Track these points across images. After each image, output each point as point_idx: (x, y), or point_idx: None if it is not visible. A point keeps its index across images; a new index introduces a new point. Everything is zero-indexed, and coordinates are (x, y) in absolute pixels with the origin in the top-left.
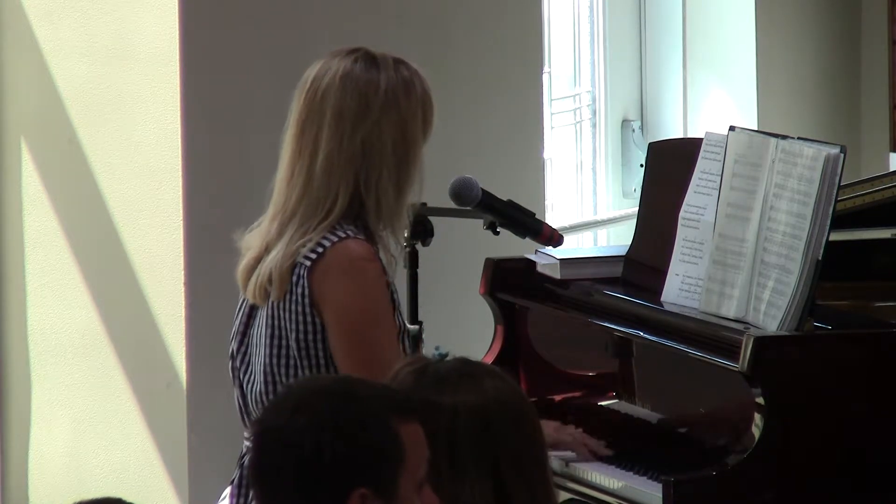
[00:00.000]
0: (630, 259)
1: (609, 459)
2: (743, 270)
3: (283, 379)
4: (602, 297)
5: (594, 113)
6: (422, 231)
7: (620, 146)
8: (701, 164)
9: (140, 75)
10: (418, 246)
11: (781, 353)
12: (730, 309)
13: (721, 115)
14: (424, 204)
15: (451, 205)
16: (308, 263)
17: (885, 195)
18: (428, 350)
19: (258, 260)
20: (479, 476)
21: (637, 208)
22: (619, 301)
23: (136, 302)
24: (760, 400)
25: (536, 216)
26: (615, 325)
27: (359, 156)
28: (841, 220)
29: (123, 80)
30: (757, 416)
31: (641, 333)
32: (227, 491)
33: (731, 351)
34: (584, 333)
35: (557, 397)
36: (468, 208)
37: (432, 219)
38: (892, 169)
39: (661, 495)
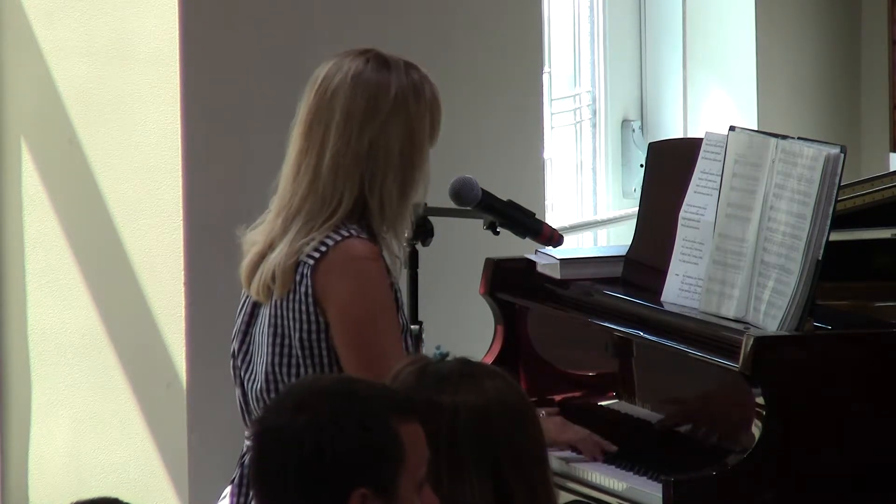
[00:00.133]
0: (630, 259)
1: (609, 459)
2: (743, 270)
3: (286, 378)
4: (602, 297)
5: (594, 113)
6: (422, 231)
7: (620, 146)
8: (701, 164)
9: (140, 75)
10: (418, 246)
11: (781, 353)
12: (730, 309)
13: (721, 115)
14: (424, 204)
15: (451, 205)
16: (312, 262)
17: (885, 195)
18: (428, 350)
19: (262, 257)
20: (480, 476)
21: (637, 208)
22: (619, 301)
23: (136, 302)
24: (760, 400)
25: (536, 216)
26: (615, 325)
27: (365, 157)
28: (841, 220)
29: (123, 80)
30: (757, 416)
31: (641, 333)
32: (228, 490)
33: (731, 351)
34: (584, 333)
35: (557, 397)
36: (468, 208)
37: (432, 219)
38: (892, 169)
39: (661, 495)
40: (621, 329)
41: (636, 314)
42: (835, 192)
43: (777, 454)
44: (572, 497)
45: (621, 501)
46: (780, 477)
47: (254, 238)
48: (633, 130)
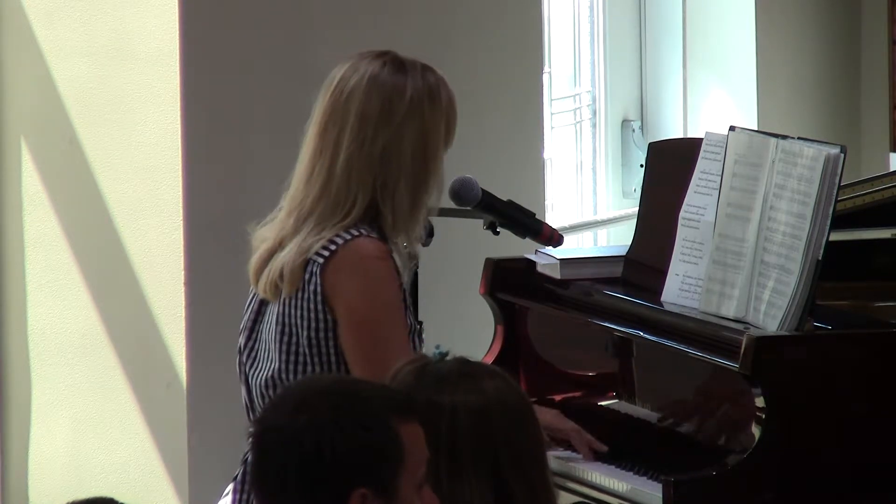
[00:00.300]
0: (630, 259)
1: (609, 459)
2: (743, 270)
3: (293, 376)
4: (602, 297)
5: (594, 113)
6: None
7: (620, 146)
8: (701, 164)
9: (140, 75)
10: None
11: (781, 353)
12: (730, 309)
13: (721, 115)
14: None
15: (451, 205)
16: (321, 260)
17: (885, 195)
18: (428, 349)
19: (271, 254)
20: (479, 476)
21: (637, 208)
22: (619, 301)
23: (136, 302)
24: (760, 400)
25: (536, 216)
26: (615, 325)
27: (378, 161)
28: (841, 220)
29: (123, 80)
30: (757, 416)
31: (641, 333)
32: (230, 487)
33: (731, 351)
34: (584, 333)
35: (557, 397)
36: (468, 208)
37: (432, 219)
38: (892, 169)
39: (661, 495)
40: (621, 329)
41: (636, 314)
42: (835, 192)
43: (777, 454)
44: (572, 497)
45: (621, 501)
46: (780, 477)
47: (264, 235)
48: (633, 130)
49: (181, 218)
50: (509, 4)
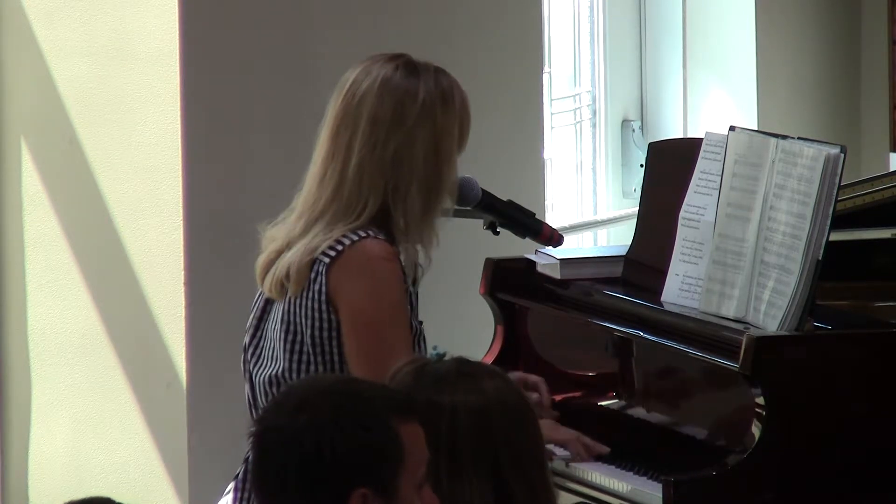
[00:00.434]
0: (630, 259)
1: (609, 459)
2: (743, 270)
3: (297, 375)
4: (602, 297)
5: (594, 113)
6: None
7: (620, 146)
8: (701, 164)
9: (140, 75)
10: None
11: (781, 353)
12: (730, 309)
13: (721, 115)
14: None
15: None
16: (327, 260)
17: (885, 195)
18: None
19: (279, 254)
20: (479, 476)
21: (637, 208)
22: (619, 301)
23: (136, 302)
24: (760, 400)
25: (536, 216)
26: (615, 325)
27: (389, 165)
28: (841, 220)
29: (123, 80)
30: (757, 416)
31: (641, 333)
32: (231, 486)
33: (731, 351)
34: (584, 333)
35: (557, 397)
36: (468, 208)
37: None
38: (892, 169)
39: (661, 495)
40: (621, 329)
41: (636, 314)
42: (835, 192)
43: (777, 454)
44: (572, 497)
45: (621, 501)
46: (780, 477)
47: (273, 235)
48: (633, 130)
49: (181, 218)
50: (509, 4)
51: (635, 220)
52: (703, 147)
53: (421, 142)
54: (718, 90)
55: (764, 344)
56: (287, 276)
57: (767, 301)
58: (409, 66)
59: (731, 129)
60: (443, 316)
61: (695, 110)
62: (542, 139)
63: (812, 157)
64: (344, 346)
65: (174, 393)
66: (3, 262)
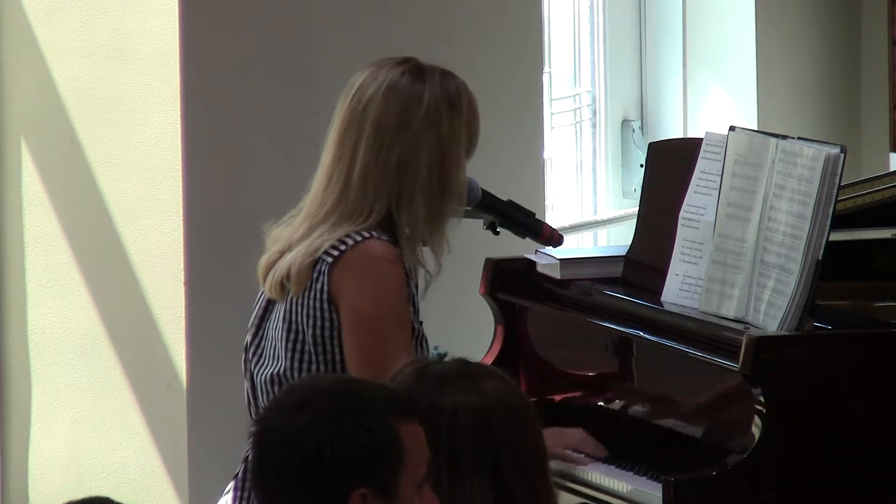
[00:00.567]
0: (630, 259)
1: (609, 459)
2: (743, 270)
3: (299, 374)
4: (602, 297)
5: (594, 113)
6: None
7: (620, 146)
8: (701, 164)
9: (140, 75)
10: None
11: (781, 353)
12: (730, 309)
13: (721, 115)
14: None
15: None
16: (330, 259)
17: (885, 195)
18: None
19: (281, 255)
20: (480, 476)
21: (637, 208)
22: (619, 301)
23: (136, 302)
24: (760, 400)
25: (536, 216)
26: (615, 325)
27: (394, 172)
28: (841, 220)
29: (123, 80)
30: (757, 416)
31: (641, 333)
32: (231, 485)
33: (731, 351)
34: (584, 333)
35: (557, 397)
36: (468, 208)
37: None
38: (892, 169)
39: (661, 495)
40: (621, 329)
41: (636, 314)
42: (835, 192)
43: (777, 454)
44: (572, 497)
45: (621, 501)
46: (780, 477)
47: (278, 235)
48: (633, 130)
49: (181, 218)
50: (509, 4)
51: (635, 220)
52: (703, 147)
53: (426, 148)
54: (718, 90)
55: (764, 344)
56: (287, 276)
57: (767, 301)
58: (415, 71)
59: (731, 129)
60: (443, 316)
61: (695, 110)
62: (542, 139)
63: (812, 157)
64: (343, 345)
65: (174, 393)
66: (3, 262)
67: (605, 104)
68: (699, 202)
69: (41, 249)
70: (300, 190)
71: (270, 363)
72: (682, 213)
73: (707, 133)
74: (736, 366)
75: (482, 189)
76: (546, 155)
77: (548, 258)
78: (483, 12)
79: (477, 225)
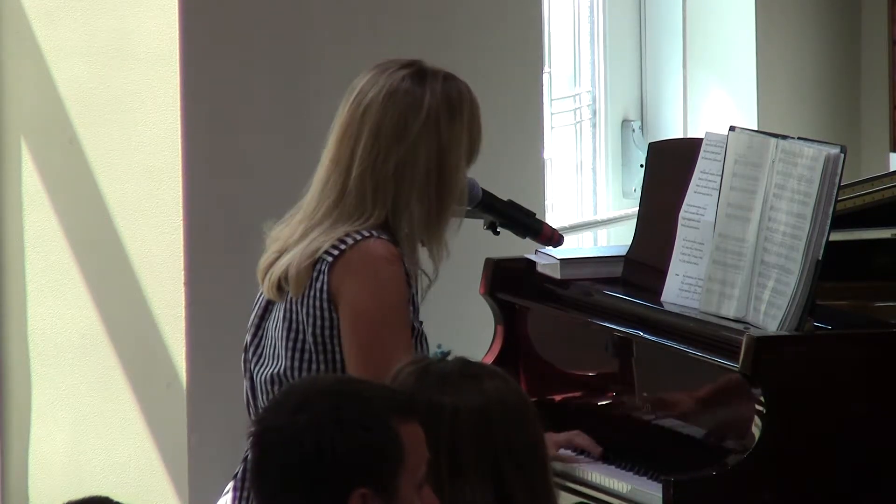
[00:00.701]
0: (630, 259)
1: (609, 459)
2: (743, 270)
3: (299, 374)
4: (602, 297)
5: (594, 113)
6: None
7: (620, 146)
8: (701, 164)
9: (140, 75)
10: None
11: (781, 353)
12: (730, 309)
13: (721, 115)
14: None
15: None
16: (330, 259)
17: (885, 195)
18: (429, 349)
19: (279, 255)
20: (480, 476)
21: (637, 208)
22: (619, 301)
23: (136, 302)
24: (760, 400)
25: (536, 216)
26: (615, 325)
27: (391, 180)
28: (841, 220)
29: (123, 80)
30: (757, 416)
31: (641, 333)
32: (231, 485)
33: (731, 351)
34: (584, 333)
35: (557, 397)
36: (468, 208)
37: None
38: (892, 169)
39: (661, 495)
40: (621, 329)
41: (636, 314)
42: (835, 192)
43: (777, 454)
44: (572, 497)
45: (621, 501)
46: (780, 477)
47: (277, 235)
48: (633, 130)
49: (181, 218)
50: (509, 4)
51: (635, 220)
52: (703, 147)
53: (424, 154)
54: (718, 90)
55: (764, 344)
56: (285, 278)
57: (767, 301)
58: (417, 76)
59: (731, 129)
60: (443, 316)
61: (695, 110)
62: (542, 139)
63: (812, 157)
64: (343, 344)
65: (174, 393)
66: (3, 262)
67: (605, 104)
68: (699, 202)
69: (41, 249)
70: (300, 190)
71: (270, 363)
72: (682, 213)
73: (707, 133)
74: (736, 366)
75: (482, 189)
76: (546, 155)
77: (548, 258)
78: (483, 12)
79: (477, 225)
